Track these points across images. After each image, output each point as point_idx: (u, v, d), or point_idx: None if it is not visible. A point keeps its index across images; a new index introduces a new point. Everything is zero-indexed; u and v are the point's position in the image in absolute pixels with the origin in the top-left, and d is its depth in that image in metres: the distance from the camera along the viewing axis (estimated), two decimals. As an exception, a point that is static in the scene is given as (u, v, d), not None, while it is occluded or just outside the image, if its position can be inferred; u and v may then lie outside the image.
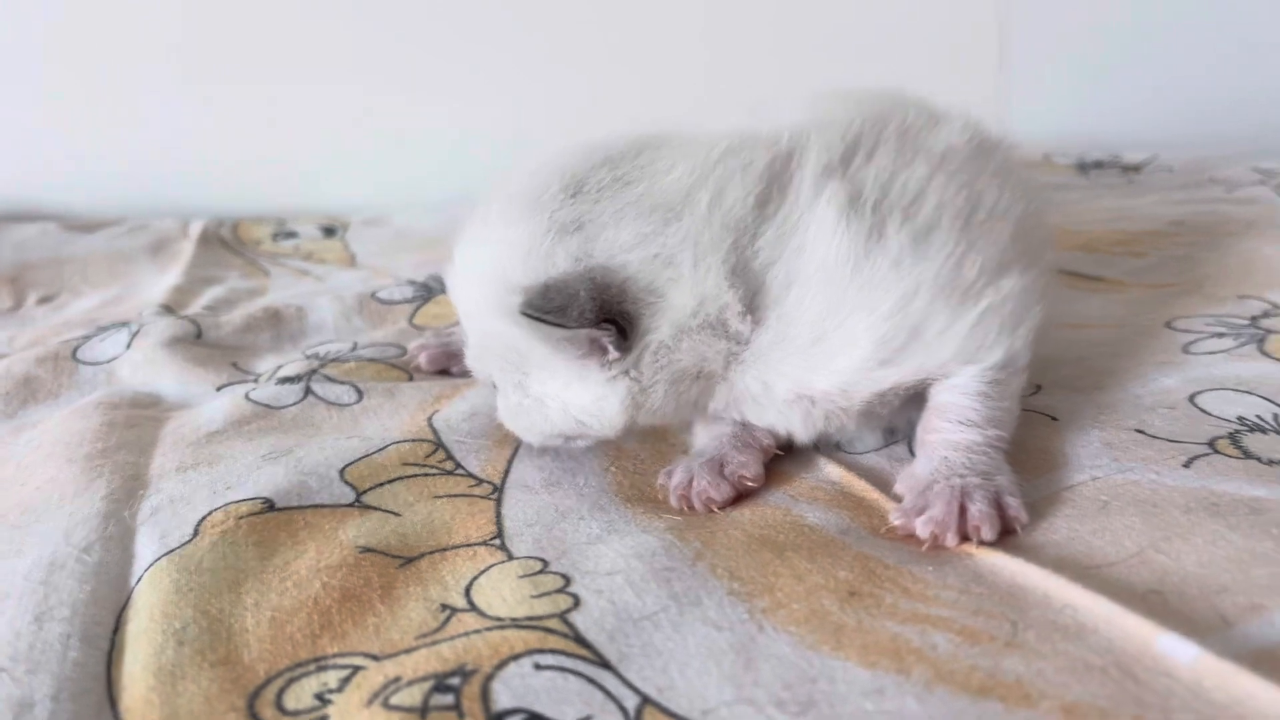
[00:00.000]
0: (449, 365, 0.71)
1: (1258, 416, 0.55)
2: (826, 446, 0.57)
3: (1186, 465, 0.50)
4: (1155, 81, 1.32)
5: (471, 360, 0.56)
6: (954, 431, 0.51)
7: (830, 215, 0.50)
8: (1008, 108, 1.29)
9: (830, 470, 0.55)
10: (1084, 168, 1.20)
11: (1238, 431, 0.53)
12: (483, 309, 0.52)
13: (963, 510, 0.46)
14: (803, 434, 0.55)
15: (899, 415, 0.56)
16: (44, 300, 0.93)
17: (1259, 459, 0.50)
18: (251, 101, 1.24)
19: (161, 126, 1.22)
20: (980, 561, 0.45)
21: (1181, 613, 0.39)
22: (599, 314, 0.48)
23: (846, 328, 0.50)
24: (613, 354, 0.49)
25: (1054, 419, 0.57)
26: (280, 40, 1.23)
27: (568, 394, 0.52)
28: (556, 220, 0.49)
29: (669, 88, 1.23)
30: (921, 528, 0.46)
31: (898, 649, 0.39)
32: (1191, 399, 0.58)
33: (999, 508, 0.47)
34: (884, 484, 0.53)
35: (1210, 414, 0.56)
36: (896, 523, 0.48)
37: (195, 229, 1.12)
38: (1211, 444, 0.52)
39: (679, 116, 0.56)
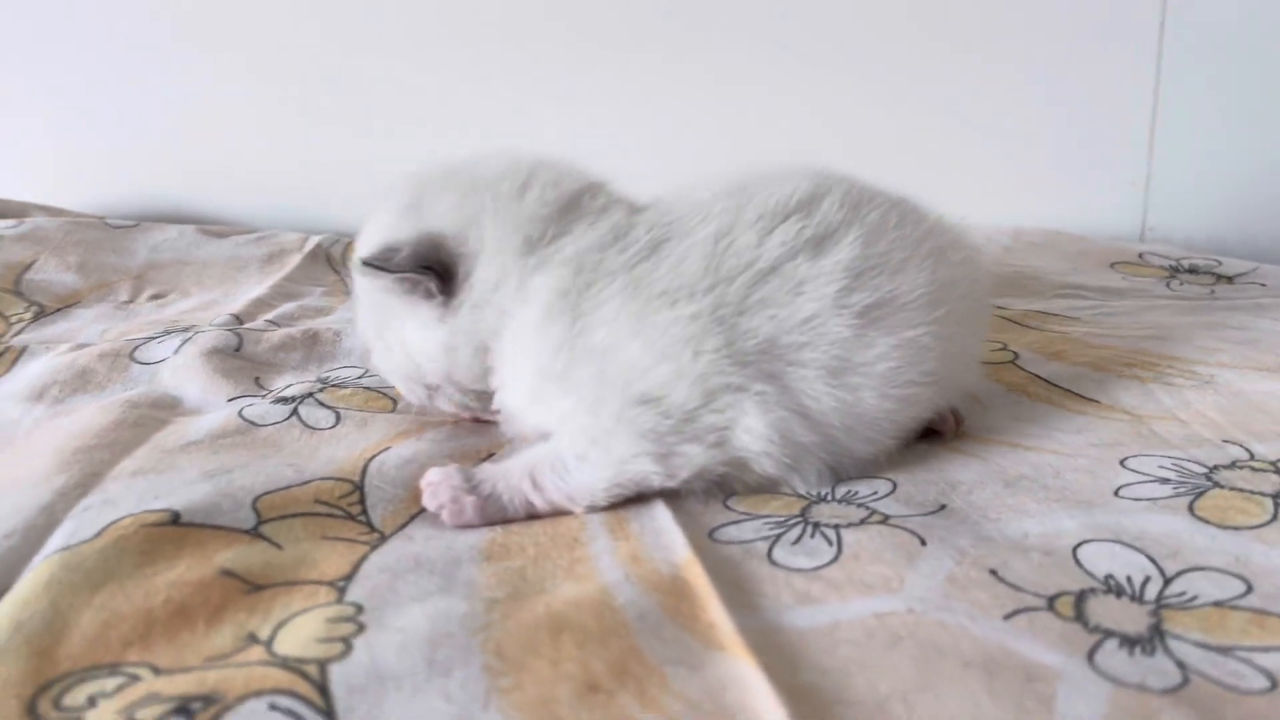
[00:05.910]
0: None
1: (1127, 577, 0.52)
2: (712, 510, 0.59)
3: (1006, 618, 0.49)
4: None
5: (359, 324, 0.73)
6: (513, 463, 0.63)
7: (542, 293, 0.63)
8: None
9: (682, 553, 0.56)
10: (1176, 271, 1.12)
11: (1090, 590, 0.51)
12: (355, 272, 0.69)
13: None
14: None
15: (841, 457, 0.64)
16: (155, 298, 1.06)
17: (1085, 624, 0.48)
18: (378, 126, 1.36)
19: (298, 142, 1.35)
20: (733, 670, 0.45)
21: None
22: (417, 262, 0.64)
23: (520, 370, 0.64)
24: (436, 296, 0.65)
25: (924, 543, 0.56)
26: (403, 75, 1.35)
27: (406, 334, 0.68)
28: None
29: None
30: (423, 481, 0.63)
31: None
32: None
33: (446, 503, 0.61)
34: (723, 573, 0.54)
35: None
36: None
37: (310, 244, 1.23)
38: (1051, 600, 0.50)
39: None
